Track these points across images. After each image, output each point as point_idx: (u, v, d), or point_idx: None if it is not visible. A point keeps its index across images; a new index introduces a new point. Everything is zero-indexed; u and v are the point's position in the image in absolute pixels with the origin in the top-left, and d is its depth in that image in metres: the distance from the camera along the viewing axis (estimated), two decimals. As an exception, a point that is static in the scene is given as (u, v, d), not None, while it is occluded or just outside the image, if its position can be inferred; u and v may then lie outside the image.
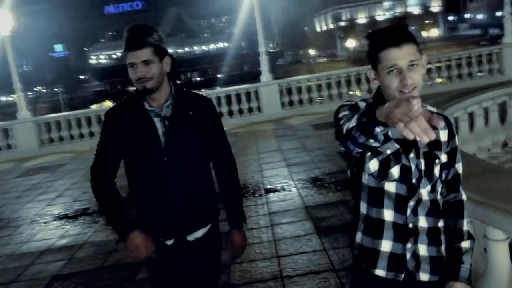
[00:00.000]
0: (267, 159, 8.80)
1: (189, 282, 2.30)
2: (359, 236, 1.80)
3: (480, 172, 2.43)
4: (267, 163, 8.47)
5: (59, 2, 79.71)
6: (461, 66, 13.68)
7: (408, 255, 1.74)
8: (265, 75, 13.77)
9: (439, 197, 1.79)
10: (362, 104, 1.67)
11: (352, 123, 1.49)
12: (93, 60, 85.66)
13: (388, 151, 1.68)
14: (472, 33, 77.42)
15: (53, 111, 37.36)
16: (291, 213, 5.73)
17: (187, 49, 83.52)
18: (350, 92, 13.69)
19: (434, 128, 1.30)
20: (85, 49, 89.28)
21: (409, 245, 1.74)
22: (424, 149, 1.73)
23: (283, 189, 6.75)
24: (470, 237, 1.80)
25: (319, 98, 13.76)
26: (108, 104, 49.27)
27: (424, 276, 1.75)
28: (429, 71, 13.75)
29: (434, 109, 1.76)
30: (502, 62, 13.60)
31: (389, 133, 1.62)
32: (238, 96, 13.60)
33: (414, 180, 1.72)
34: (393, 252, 1.74)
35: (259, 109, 13.58)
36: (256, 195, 6.60)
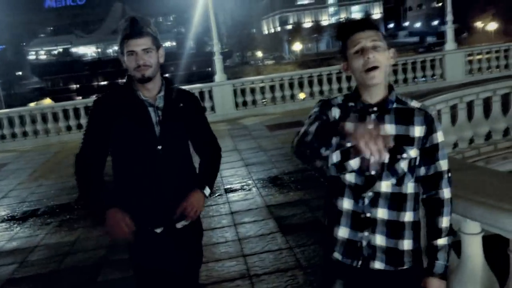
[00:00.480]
0: (224, 159, 8.63)
1: (176, 269, 2.36)
2: (326, 223, 1.94)
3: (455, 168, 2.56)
4: (225, 162, 8.44)
5: (-7, -8, 75.54)
6: (407, 71, 14.28)
7: (364, 243, 1.82)
8: (219, 75, 13.72)
9: (410, 191, 1.81)
10: (334, 112, 1.85)
11: (311, 133, 1.69)
12: (32, 56, 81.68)
13: (349, 144, 1.70)
14: (410, 40, 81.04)
15: (-12, 108, 35.26)
16: (253, 212, 5.74)
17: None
18: (302, 95, 13.91)
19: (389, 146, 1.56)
20: (23, 44, 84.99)
21: (365, 234, 1.81)
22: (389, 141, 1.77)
23: (243, 188, 6.76)
24: (451, 233, 1.85)
25: (273, 99, 13.87)
26: (48, 101, 47.20)
27: (378, 265, 1.82)
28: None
29: (417, 105, 1.82)
30: (444, 68, 14.35)
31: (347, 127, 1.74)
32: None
33: (373, 172, 1.77)
34: (349, 239, 1.84)
35: (213, 109, 13.51)
36: (216, 195, 6.57)
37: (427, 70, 14.40)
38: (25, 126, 12.81)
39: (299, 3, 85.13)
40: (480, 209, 2.11)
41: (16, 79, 71.37)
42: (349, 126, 1.57)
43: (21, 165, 10.31)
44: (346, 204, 1.83)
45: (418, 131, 1.78)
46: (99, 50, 78.08)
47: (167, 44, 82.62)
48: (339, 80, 13.93)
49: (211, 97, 13.48)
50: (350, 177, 1.82)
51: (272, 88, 13.80)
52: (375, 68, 1.74)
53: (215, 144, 2.55)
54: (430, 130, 1.80)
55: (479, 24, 70.98)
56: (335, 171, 1.85)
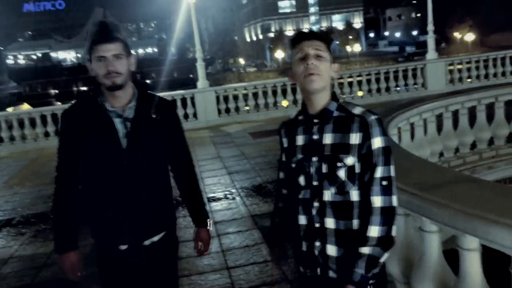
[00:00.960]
0: (207, 166, 8.61)
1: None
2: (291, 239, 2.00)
3: (449, 181, 2.47)
4: (208, 170, 8.29)
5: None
6: (389, 80, 14.36)
7: (316, 252, 1.85)
8: (202, 82, 13.57)
9: (356, 198, 1.79)
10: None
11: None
12: (10, 60, 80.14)
13: (293, 165, 1.88)
14: (390, 49, 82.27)
15: (-37, 113, 34.24)
16: (237, 222, 5.60)
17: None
18: (285, 102, 13.85)
19: None
20: (0, 48, 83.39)
21: (317, 244, 1.85)
22: (326, 152, 1.81)
23: (226, 197, 6.61)
24: (380, 246, 1.75)
25: (256, 106, 13.78)
26: (26, 106, 46.30)
27: (332, 274, 1.85)
28: (359, 83, 14.30)
29: (359, 111, 1.82)
30: (426, 77, 14.47)
31: (297, 142, 1.88)
32: (173, 102, 13.23)
33: (316, 183, 1.82)
34: (307, 250, 1.89)
35: (195, 115, 13.33)
36: (199, 204, 6.38)
37: (408, 79, 14.50)
38: (0, 132, 12.42)
39: (281, 11, 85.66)
40: (480, 224, 2.01)
41: (-8, 83, 69.94)
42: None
43: (-7, 172, 9.96)
44: (301, 218, 1.88)
45: (354, 138, 1.79)
46: (79, 55, 77.03)
47: (149, 50, 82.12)
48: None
49: (193, 104, 13.31)
50: (300, 193, 1.88)
51: (255, 95, 13.71)
52: (314, 74, 1.79)
53: (190, 160, 2.43)
54: (367, 136, 1.78)
55: (457, 35, 72.46)
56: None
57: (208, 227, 2.46)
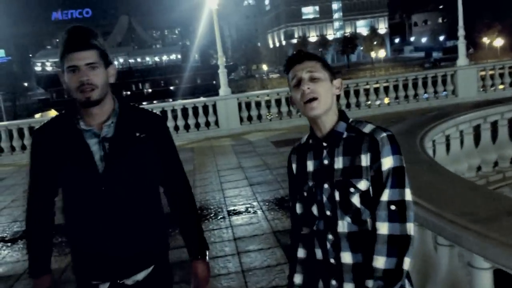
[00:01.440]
0: (228, 177, 8.35)
1: None
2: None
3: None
4: (228, 181, 8.02)
5: None
6: (417, 86, 13.88)
7: None
8: (224, 89, 13.37)
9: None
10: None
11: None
12: (38, 67, 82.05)
13: (305, 193, 1.74)
14: (416, 55, 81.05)
15: (-8, 119, 35.12)
16: (258, 239, 5.30)
17: (138, 60, 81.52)
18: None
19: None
20: (29, 55, 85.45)
21: (333, 283, 1.67)
22: (337, 177, 1.66)
23: (247, 211, 6.32)
24: (386, 279, 1.53)
25: (279, 114, 13.50)
26: (52, 113, 47.19)
27: None
28: (386, 90, 13.87)
29: (369, 129, 1.66)
30: (456, 84, 13.94)
31: (307, 168, 1.74)
32: (195, 109, 13.09)
33: (329, 213, 1.67)
34: None
35: (217, 123, 13.13)
36: (218, 218, 6.13)
37: (438, 86, 14.00)
38: (23, 139, 12.46)
39: (304, 17, 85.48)
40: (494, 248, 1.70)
41: (22, 90, 71.55)
42: None
43: (17, 181, 9.90)
44: (318, 253, 1.73)
45: (364, 159, 1.63)
46: (105, 62, 78.20)
47: (173, 56, 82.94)
48: (346, 94, 13.56)
49: (215, 112, 13.11)
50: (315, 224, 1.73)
51: (278, 102, 13.42)
52: (313, 99, 1.67)
53: (184, 180, 2.13)
54: (376, 156, 1.61)
55: (485, 40, 70.88)
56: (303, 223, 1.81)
57: (206, 260, 2.13)
